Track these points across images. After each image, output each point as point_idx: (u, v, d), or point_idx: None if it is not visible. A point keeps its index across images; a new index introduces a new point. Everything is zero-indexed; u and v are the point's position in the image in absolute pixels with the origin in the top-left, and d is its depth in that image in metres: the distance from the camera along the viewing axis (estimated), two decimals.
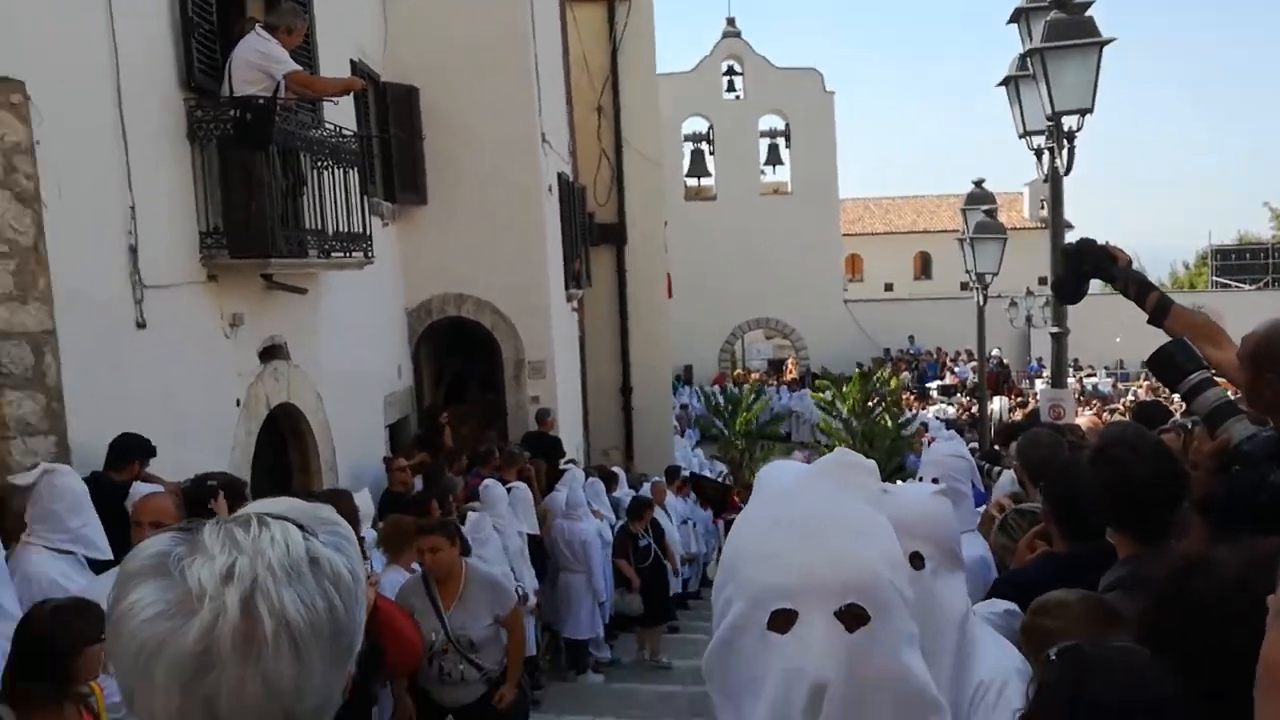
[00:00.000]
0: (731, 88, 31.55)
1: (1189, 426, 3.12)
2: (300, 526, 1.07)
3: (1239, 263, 37.73)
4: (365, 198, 8.33)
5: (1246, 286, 35.34)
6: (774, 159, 31.88)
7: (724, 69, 31.37)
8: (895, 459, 20.06)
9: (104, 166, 5.55)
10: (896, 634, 1.16)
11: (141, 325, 5.73)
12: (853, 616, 1.13)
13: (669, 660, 9.77)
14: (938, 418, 24.99)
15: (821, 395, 23.18)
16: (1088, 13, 7.41)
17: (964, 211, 15.14)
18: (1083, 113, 7.44)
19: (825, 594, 1.14)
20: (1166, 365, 2.58)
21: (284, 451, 7.85)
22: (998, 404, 20.43)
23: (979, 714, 2.08)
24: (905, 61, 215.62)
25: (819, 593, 1.14)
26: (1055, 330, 8.74)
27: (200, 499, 4.71)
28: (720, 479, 18.33)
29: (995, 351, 25.69)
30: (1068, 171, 7.80)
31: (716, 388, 26.65)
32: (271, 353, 7.32)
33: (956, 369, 30.21)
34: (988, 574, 3.56)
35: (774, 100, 31.09)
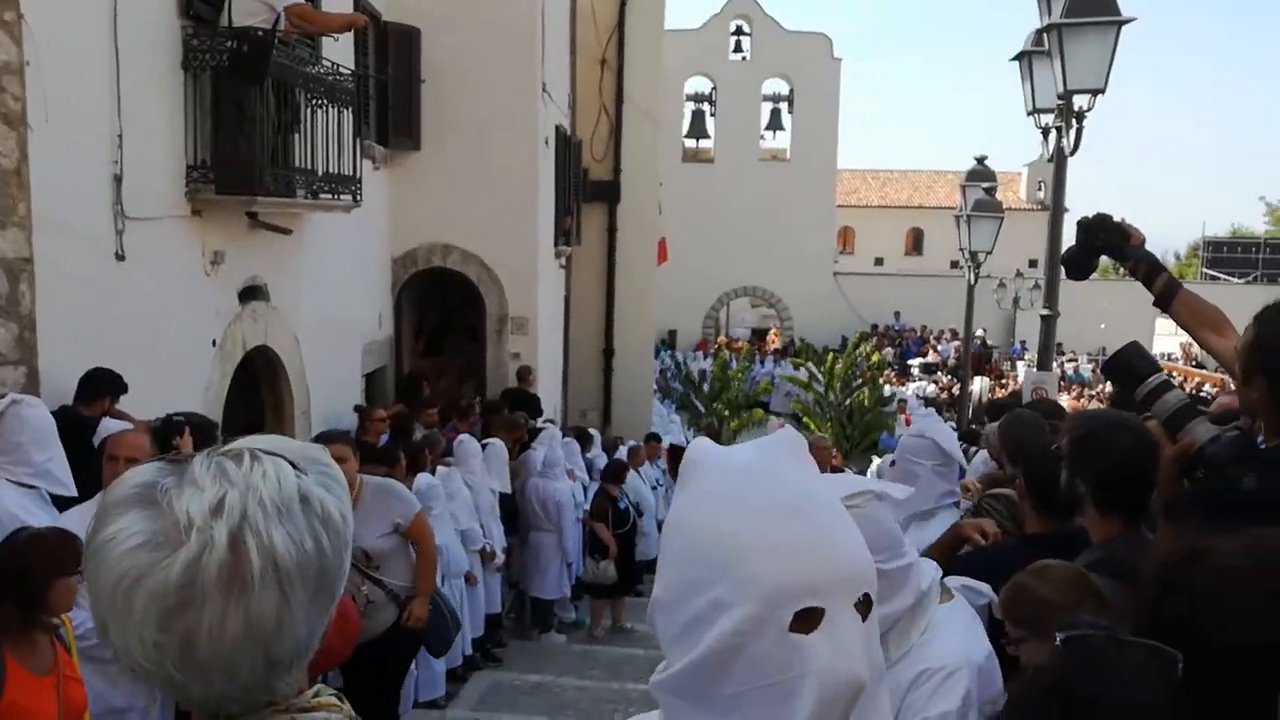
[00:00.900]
0: (738, 48, 31.27)
1: None
2: (292, 464, 1.04)
3: (1230, 256, 37.89)
4: (358, 140, 8.19)
5: (1236, 280, 35.50)
6: (775, 124, 31.69)
7: (732, 28, 31.04)
8: (871, 435, 20.16)
9: (94, 92, 5.41)
10: (875, 618, 1.13)
11: (121, 258, 5.61)
12: (865, 607, 1.09)
13: (630, 624, 9.79)
14: (917, 395, 25.11)
15: (794, 375, 23.09)
16: None
17: (964, 187, 15.14)
18: (1095, 93, 7.43)
19: (848, 587, 1.07)
20: (1123, 370, 2.53)
21: (257, 394, 7.76)
22: (978, 384, 20.52)
23: (915, 696, 2.09)
24: (915, 32, 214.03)
25: (844, 586, 1.06)
26: (1045, 313, 8.73)
27: (166, 437, 4.63)
28: None
29: (980, 332, 25.76)
30: (1074, 152, 7.78)
31: (700, 353, 26.63)
32: (251, 293, 7.21)
33: (939, 347, 30.32)
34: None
35: (780, 64, 30.81)
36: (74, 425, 4.67)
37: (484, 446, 8.34)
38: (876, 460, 14.63)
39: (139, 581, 0.95)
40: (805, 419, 20.88)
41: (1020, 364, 26.14)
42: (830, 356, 22.48)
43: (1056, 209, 8.57)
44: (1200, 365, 28.08)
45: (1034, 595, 2.26)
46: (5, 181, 4.74)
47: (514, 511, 8.90)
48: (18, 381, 4.81)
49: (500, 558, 8.23)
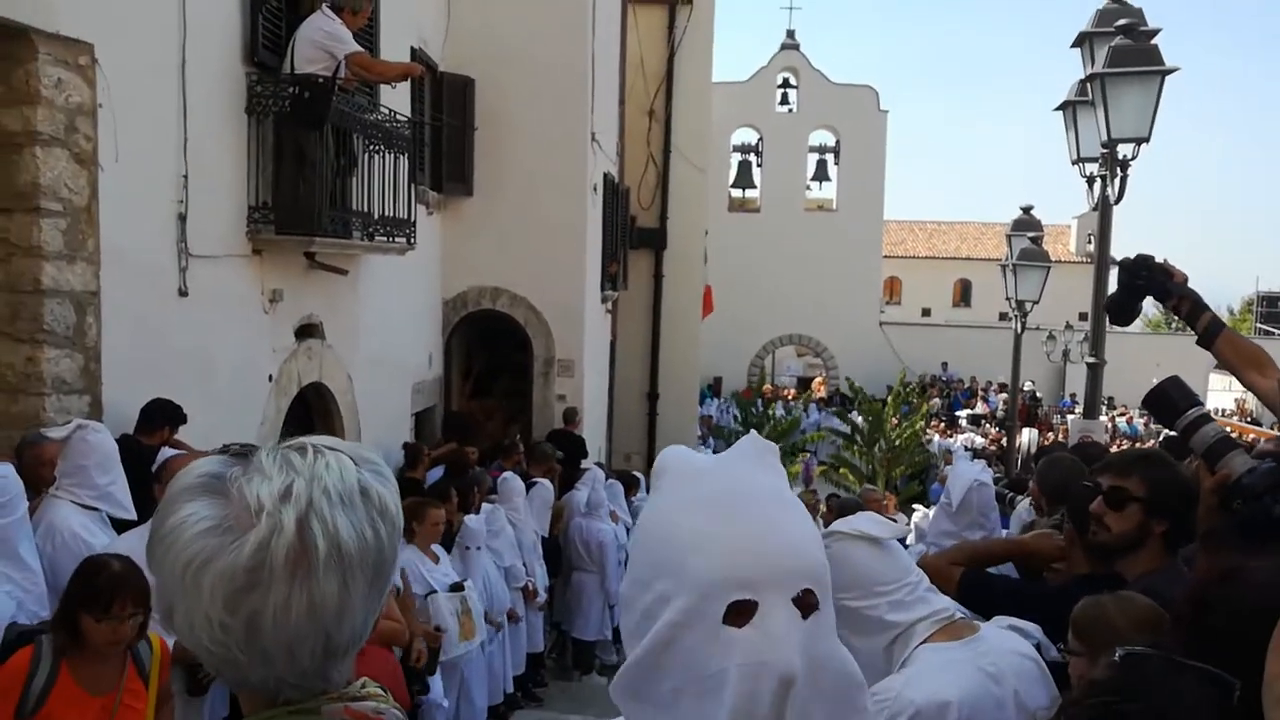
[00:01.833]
0: (785, 100, 31.45)
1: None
2: (351, 458, 1.09)
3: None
4: (413, 185, 8.40)
5: None
6: (821, 175, 31.75)
7: (779, 80, 31.28)
8: (912, 484, 19.93)
9: (162, 134, 5.63)
10: (831, 616, 1.13)
11: (184, 293, 5.80)
12: (806, 603, 1.09)
13: None
14: (965, 446, 24.80)
15: (837, 429, 22.88)
16: (1153, 40, 7.39)
17: (1009, 237, 15.06)
18: (1139, 141, 7.46)
19: (785, 581, 1.07)
20: (1162, 402, 2.56)
21: (310, 429, 7.92)
22: (1026, 435, 20.23)
23: None
24: (960, 85, 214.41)
25: (779, 581, 1.07)
26: (1091, 360, 8.67)
27: None
28: None
29: (1028, 384, 25.45)
30: (1118, 200, 7.79)
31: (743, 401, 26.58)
32: (307, 331, 7.39)
33: (988, 399, 29.97)
34: None
35: (826, 116, 30.96)
36: (134, 453, 4.81)
37: (530, 487, 8.42)
38: (919, 510, 14.47)
39: (209, 563, 0.98)
40: (843, 470, 20.73)
41: (1070, 417, 25.77)
42: (875, 404, 22.33)
43: (1101, 257, 8.56)
44: (1256, 421, 27.49)
45: (1109, 618, 2.24)
46: (76, 218, 4.92)
47: (556, 551, 8.95)
48: (82, 410, 4.97)
49: (542, 596, 8.26)
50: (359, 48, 6.83)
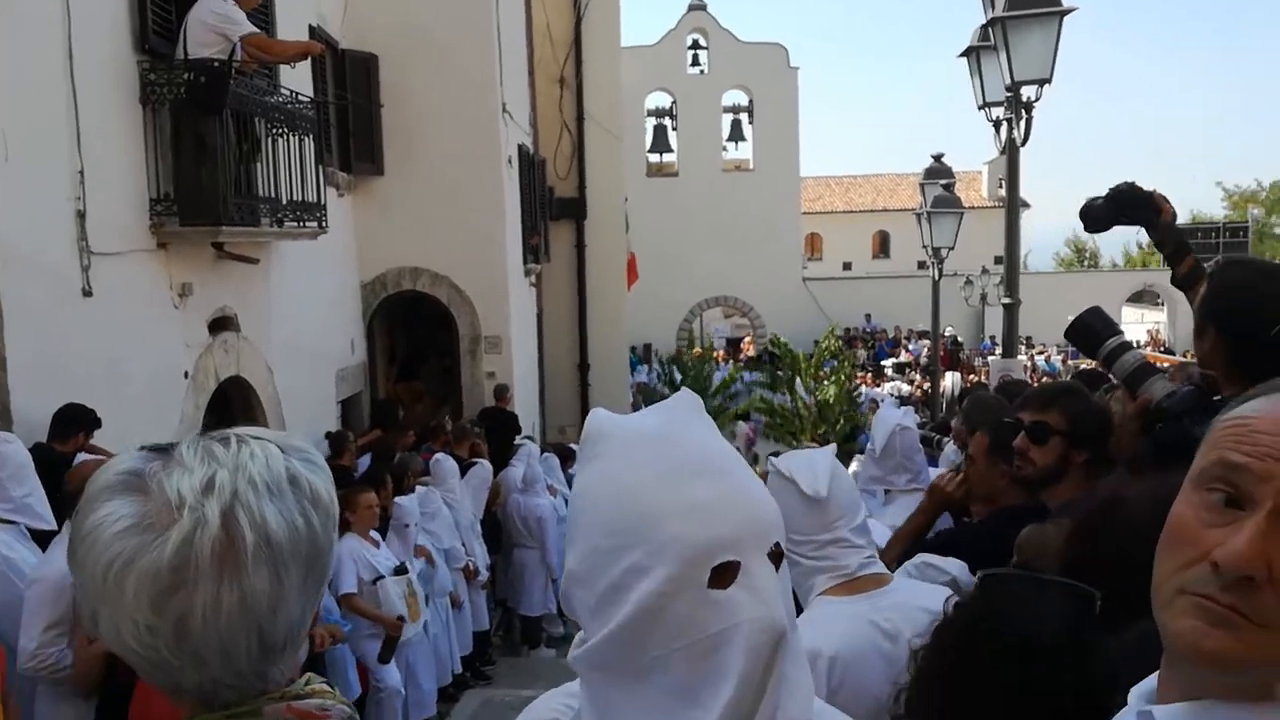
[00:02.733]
0: (696, 62, 31.39)
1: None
2: (278, 447, 1.05)
3: (1190, 242, 38.30)
4: (320, 167, 8.21)
5: None
6: (736, 135, 31.85)
7: (689, 43, 31.20)
8: (842, 431, 20.25)
9: (53, 129, 5.42)
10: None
11: (88, 293, 5.61)
12: (777, 555, 1.09)
13: None
14: (892, 394, 25.23)
15: (762, 379, 23.19)
16: None
17: (922, 186, 15.27)
18: (1041, 83, 7.58)
19: (761, 538, 1.08)
20: (1085, 333, 2.61)
21: (232, 425, 7.70)
22: (950, 379, 20.67)
23: None
24: (870, 36, 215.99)
25: (758, 538, 1.08)
26: (1007, 301, 8.85)
27: None
28: None
29: (949, 330, 25.95)
30: (1024, 143, 7.95)
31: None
32: (221, 324, 7.21)
33: (911, 347, 30.51)
34: None
35: (738, 75, 31.00)
36: (50, 462, 4.66)
37: (469, 468, 8.37)
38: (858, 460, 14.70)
39: (131, 563, 0.93)
40: (775, 418, 21.01)
41: (991, 358, 26.35)
42: (800, 356, 22.59)
43: (1011, 201, 8.74)
44: (1169, 351, 28.42)
45: (1050, 541, 2.25)
46: None
47: (496, 529, 8.92)
48: None
49: (484, 575, 8.24)
50: (254, 28, 6.65)
